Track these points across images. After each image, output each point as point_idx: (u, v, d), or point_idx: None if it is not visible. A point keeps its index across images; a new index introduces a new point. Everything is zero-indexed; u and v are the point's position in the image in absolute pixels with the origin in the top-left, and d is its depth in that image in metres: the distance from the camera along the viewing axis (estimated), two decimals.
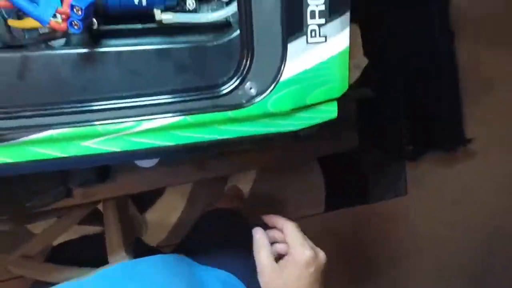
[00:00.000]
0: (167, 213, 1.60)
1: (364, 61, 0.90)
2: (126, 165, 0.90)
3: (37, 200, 0.87)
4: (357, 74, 0.90)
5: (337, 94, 0.52)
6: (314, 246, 0.62)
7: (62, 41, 0.46)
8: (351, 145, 1.01)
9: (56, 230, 1.13)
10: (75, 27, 0.38)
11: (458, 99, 1.60)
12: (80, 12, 0.37)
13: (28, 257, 1.01)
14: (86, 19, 0.38)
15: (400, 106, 1.53)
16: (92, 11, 0.41)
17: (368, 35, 0.97)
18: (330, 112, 0.53)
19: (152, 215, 1.57)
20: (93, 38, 0.46)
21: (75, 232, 1.08)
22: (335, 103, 0.52)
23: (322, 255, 0.62)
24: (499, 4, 1.63)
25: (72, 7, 0.37)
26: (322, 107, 0.52)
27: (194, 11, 0.51)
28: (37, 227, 1.29)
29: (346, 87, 0.52)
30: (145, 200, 1.56)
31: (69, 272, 0.94)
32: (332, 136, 0.98)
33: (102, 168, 0.82)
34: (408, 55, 1.45)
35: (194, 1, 0.51)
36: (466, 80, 1.61)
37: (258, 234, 0.62)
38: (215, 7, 0.52)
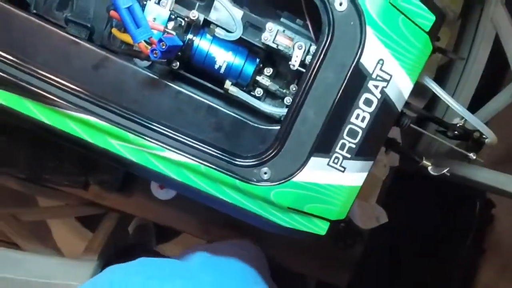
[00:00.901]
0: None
1: (384, 218, 0.94)
2: (146, 191, 0.96)
3: (57, 177, 0.94)
4: (374, 224, 0.94)
5: (333, 217, 0.57)
6: None
7: (146, 63, 0.56)
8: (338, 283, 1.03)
9: (58, 212, 1.20)
10: (154, 54, 0.46)
11: None
12: (164, 46, 0.46)
13: (17, 220, 1.07)
14: (166, 53, 0.47)
15: None
16: (176, 51, 0.50)
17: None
18: (320, 228, 0.57)
19: (165, 247, 1.60)
20: (171, 74, 0.56)
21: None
22: (327, 223, 0.57)
23: None
24: None
25: (160, 40, 0.46)
26: (315, 220, 0.57)
27: (259, 99, 0.59)
28: (43, 200, 1.35)
29: (343, 216, 0.58)
30: (168, 233, 1.59)
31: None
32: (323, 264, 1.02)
33: (125, 180, 0.89)
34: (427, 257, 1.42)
35: (262, 91, 0.59)
36: None
37: None
38: (276, 104, 0.61)
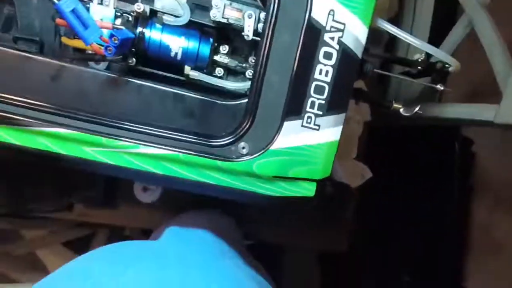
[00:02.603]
0: None
1: (368, 174, 0.96)
2: (130, 198, 0.95)
3: (40, 205, 0.93)
4: (360, 181, 0.95)
5: (318, 176, 0.57)
6: None
7: (103, 66, 0.55)
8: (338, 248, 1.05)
9: (44, 242, 1.18)
10: (109, 51, 0.46)
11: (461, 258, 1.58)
12: (116, 41, 0.45)
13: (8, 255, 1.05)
14: (120, 48, 0.46)
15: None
16: (129, 45, 0.50)
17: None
18: (308, 190, 0.58)
19: None
20: (130, 72, 0.55)
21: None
22: (314, 184, 0.58)
23: None
24: None
25: (111, 35, 0.46)
26: (302, 183, 0.58)
27: (221, 78, 0.59)
28: (27, 232, 1.33)
29: (328, 173, 0.58)
30: None
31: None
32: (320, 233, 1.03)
33: (108, 193, 0.88)
34: (419, 203, 1.45)
35: (222, 70, 0.59)
36: (477, 240, 1.61)
37: None
38: (239, 79, 0.61)
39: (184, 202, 0.93)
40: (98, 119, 0.50)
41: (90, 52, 0.49)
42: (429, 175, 1.33)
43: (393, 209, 1.33)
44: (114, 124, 0.51)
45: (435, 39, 1.02)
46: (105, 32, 0.48)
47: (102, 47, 0.47)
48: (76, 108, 0.50)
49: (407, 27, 1.09)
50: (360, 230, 1.19)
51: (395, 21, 1.10)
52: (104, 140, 0.50)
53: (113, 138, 0.51)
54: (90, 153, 0.51)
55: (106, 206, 0.95)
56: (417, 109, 0.63)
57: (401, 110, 0.65)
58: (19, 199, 0.91)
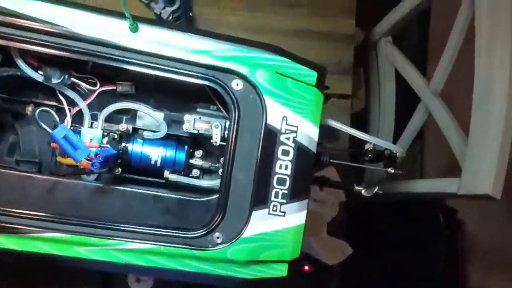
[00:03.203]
0: None
1: (348, 250, 1.02)
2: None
3: None
4: (340, 258, 1.01)
5: (288, 257, 0.64)
6: None
7: (94, 177, 0.65)
8: None
9: None
10: (95, 166, 0.56)
11: None
12: (100, 158, 0.55)
13: None
14: (104, 164, 0.56)
15: None
16: (113, 159, 0.60)
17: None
18: (280, 270, 0.65)
19: None
20: (116, 180, 0.65)
21: None
22: (285, 264, 0.65)
23: None
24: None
25: (96, 154, 0.56)
26: (274, 265, 0.64)
27: (198, 177, 0.69)
28: None
29: (297, 254, 0.65)
30: None
31: None
32: None
33: (104, 286, 0.94)
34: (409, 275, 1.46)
35: (198, 171, 0.69)
36: None
37: None
38: (213, 177, 0.70)
39: None
40: (88, 222, 0.59)
41: (81, 167, 0.59)
42: (416, 246, 1.36)
43: (382, 284, 1.34)
44: (102, 225, 0.59)
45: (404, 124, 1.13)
46: (93, 150, 0.58)
47: (89, 163, 0.56)
48: (69, 215, 0.59)
49: (375, 122, 1.21)
50: None
51: (364, 113, 1.22)
52: (94, 240, 0.58)
53: (102, 238, 0.59)
54: (82, 252, 0.58)
55: None
56: (375, 189, 0.72)
57: (362, 191, 0.73)
58: None
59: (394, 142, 1.12)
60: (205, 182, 0.68)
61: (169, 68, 0.60)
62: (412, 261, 1.34)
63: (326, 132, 0.69)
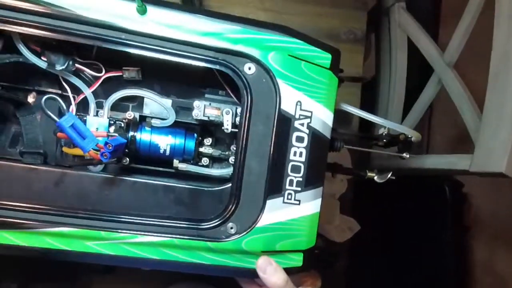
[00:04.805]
0: None
1: (356, 227, 1.00)
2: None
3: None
4: (349, 235, 1.00)
5: (304, 247, 0.62)
6: None
7: (100, 167, 0.63)
8: None
9: None
10: (104, 156, 0.53)
11: None
12: (110, 147, 0.53)
13: None
14: (114, 153, 0.54)
15: None
16: (122, 149, 0.57)
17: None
18: (296, 260, 0.63)
19: None
20: (124, 170, 0.62)
21: None
22: (301, 254, 0.63)
23: None
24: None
25: (106, 143, 0.53)
26: (289, 255, 0.62)
27: (207, 166, 0.66)
28: None
29: (313, 243, 0.63)
30: None
31: None
32: None
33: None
34: (416, 249, 1.46)
35: (208, 160, 0.66)
36: (480, 279, 1.61)
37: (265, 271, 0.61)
38: (224, 166, 0.67)
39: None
40: (97, 215, 0.56)
41: (88, 158, 0.56)
42: (422, 221, 1.35)
43: (389, 259, 1.33)
44: (111, 218, 0.57)
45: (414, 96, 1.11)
46: (100, 139, 0.56)
47: (99, 153, 0.54)
48: (77, 208, 0.56)
49: (384, 98, 1.18)
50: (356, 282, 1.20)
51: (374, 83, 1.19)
52: (103, 233, 0.56)
53: (111, 231, 0.56)
54: (92, 246, 0.56)
55: (108, 273, 0.99)
56: (389, 175, 0.70)
57: (375, 178, 0.71)
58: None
59: (404, 115, 1.09)
60: (216, 171, 0.66)
61: (178, 52, 0.57)
62: (418, 235, 1.33)
63: (338, 116, 0.67)
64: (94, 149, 0.54)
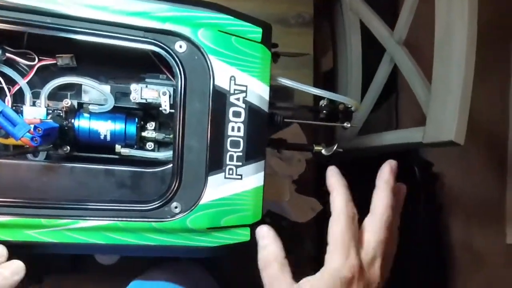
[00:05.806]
0: None
1: (319, 206, 1.01)
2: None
3: None
4: (311, 215, 1.00)
5: (250, 221, 0.63)
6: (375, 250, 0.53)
7: (42, 157, 0.63)
8: None
9: None
10: (35, 141, 0.53)
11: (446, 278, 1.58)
12: (40, 131, 0.53)
13: None
14: (46, 137, 0.54)
15: None
16: (55, 133, 0.57)
17: None
18: (243, 235, 0.63)
19: None
20: (67, 159, 0.62)
21: None
22: (247, 229, 0.63)
23: (374, 271, 0.50)
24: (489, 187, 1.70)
25: (35, 127, 0.53)
26: (236, 230, 0.63)
27: (153, 150, 0.67)
28: None
29: (259, 217, 0.64)
30: None
31: None
32: None
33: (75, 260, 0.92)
34: None
35: (153, 144, 0.67)
36: (459, 257, 1.63)
37: (266, 237, 0.59)
38: (170, 149, 0.68)
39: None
40: (35, 203, 0.56)
41: (25, 146, 0.56)
42: None
43: None
44: (51, 205, 0.57)
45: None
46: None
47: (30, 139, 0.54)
48: (16, 197, 0.56)
49: (344, 78, 1.20)
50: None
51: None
52: (43, 221, 0.56)
53: (52, 218, 0.56)
54: (33, 235, 0.56)
55: (74, 272, 0.98)
56: (334, 148, 0.70)
57: (322, 151, 0.72)
58: None
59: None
60: (161, 154, 0.66)
61: (107, 34, 0.57)
62: None
63: (282, 92, 0.68)
64: (27, 137, 0.54)
